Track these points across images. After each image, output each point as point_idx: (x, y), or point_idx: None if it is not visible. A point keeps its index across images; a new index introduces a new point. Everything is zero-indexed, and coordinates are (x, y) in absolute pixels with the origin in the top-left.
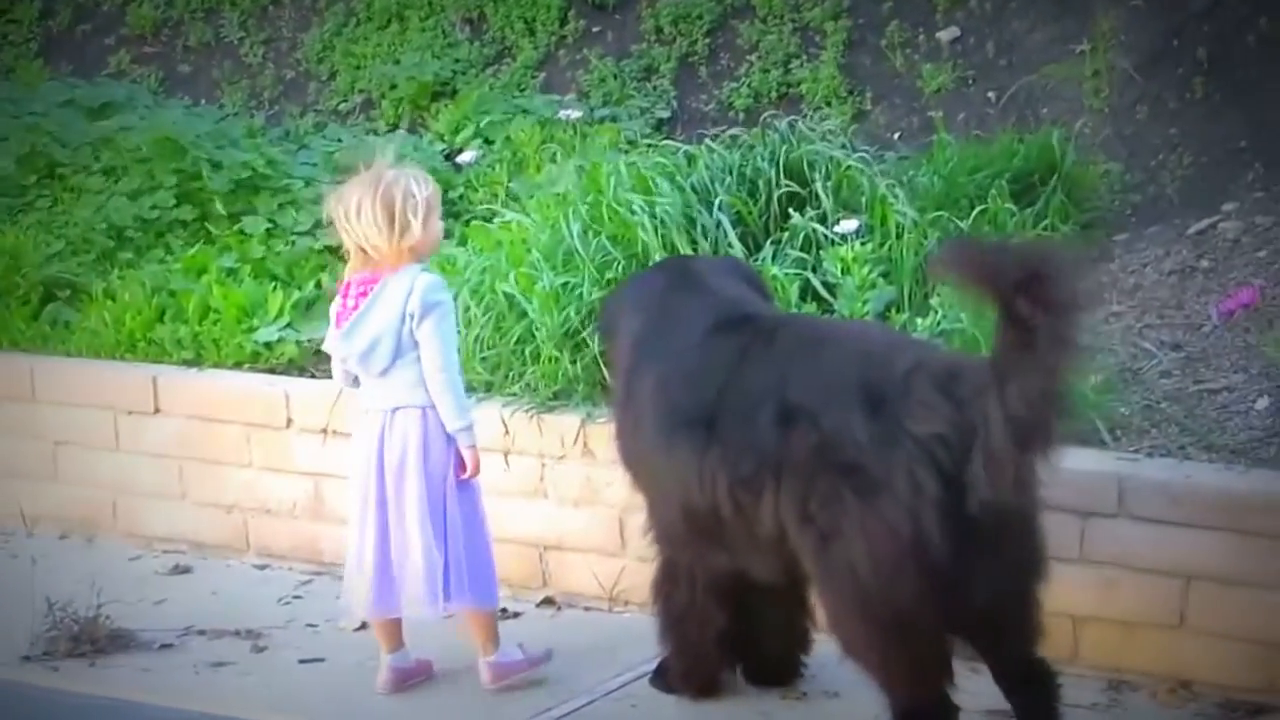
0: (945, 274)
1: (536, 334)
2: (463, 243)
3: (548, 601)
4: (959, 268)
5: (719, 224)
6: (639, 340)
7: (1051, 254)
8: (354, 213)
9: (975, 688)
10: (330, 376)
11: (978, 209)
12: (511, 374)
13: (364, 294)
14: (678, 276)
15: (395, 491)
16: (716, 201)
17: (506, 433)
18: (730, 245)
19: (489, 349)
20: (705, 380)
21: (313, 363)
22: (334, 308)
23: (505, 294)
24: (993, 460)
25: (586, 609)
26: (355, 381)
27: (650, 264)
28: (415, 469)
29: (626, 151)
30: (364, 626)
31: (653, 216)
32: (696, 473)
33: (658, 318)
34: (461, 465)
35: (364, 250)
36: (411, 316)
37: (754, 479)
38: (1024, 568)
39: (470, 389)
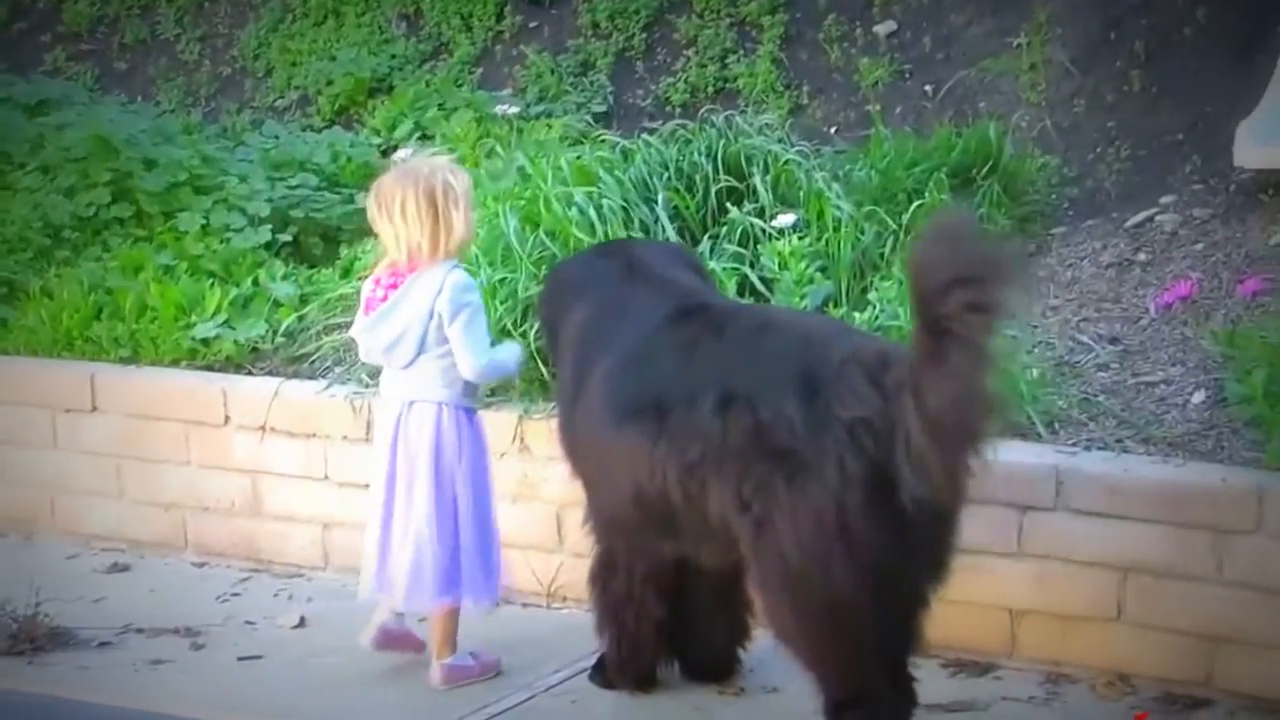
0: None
1: None
2: None
3: None
4: (918, 253)
5: (657, 219)
6: (589, 328)
7: (985, 258)
8: (398, 209)
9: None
10: (267, 374)
11: (915, 203)
12: None
13: (394, 285)
14: (627, 264)
15: (406, 483)
16: (655, 196)
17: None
18: (668, 240)
19: None
20: (658, 370)
21: (250, 360)
22: (364, 294)
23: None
24: (912, 456)
25: (524, 605)
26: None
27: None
28: (426, 466)
29: (570, 145)
30: (301, 623)
31: (590, 211)
32: (648, 461)
33: (610, 306)
34: (482, 452)
35: (409, 249)
36: (440, 315)
37: (699, 466)
38: (937, 566)
39: None
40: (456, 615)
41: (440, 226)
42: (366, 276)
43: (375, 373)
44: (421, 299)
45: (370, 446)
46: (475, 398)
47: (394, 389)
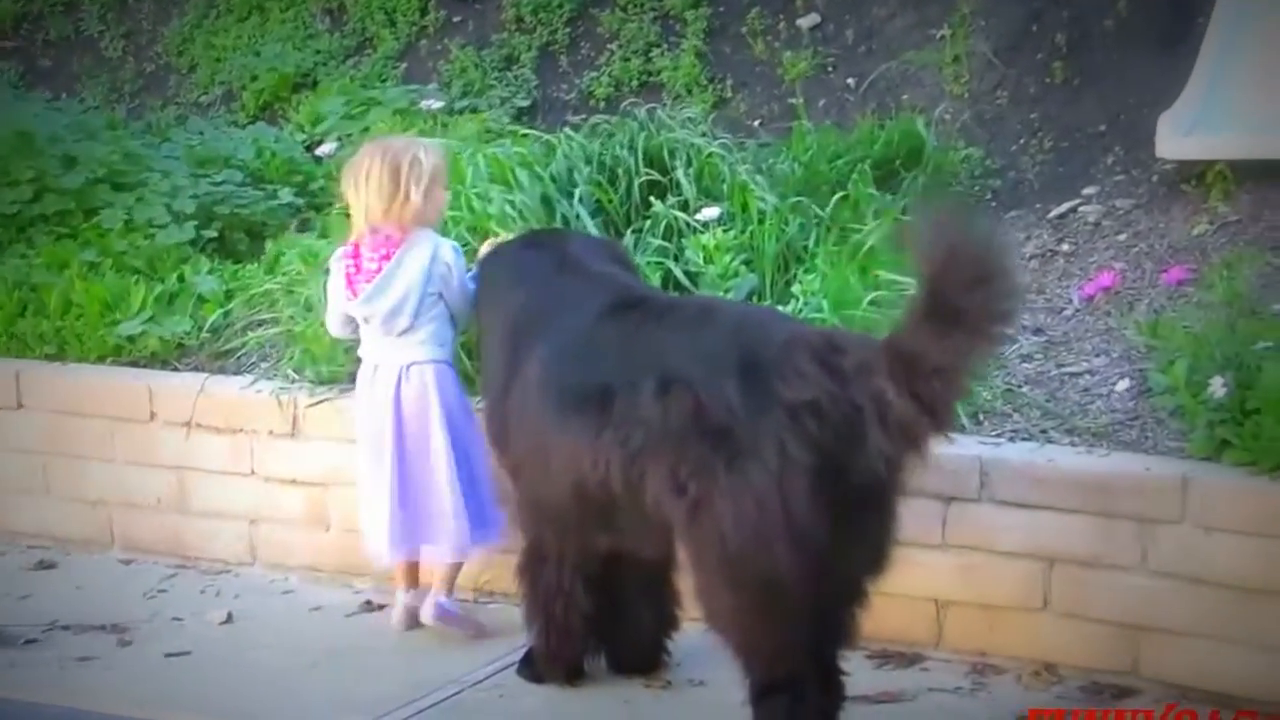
0: (910, 245)
1: None
2: (323, 235)
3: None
4: (925, 246)
5: (579, 214)
6: (523, 318)
7: (1003, 261)
8: (362, 177)
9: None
10: (193, 370)
11: (839, 195)
12: None
13: (386, 256)
14: (561, 256)
15: (418, 441)
16: (576, 191)
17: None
18: (596, 234)
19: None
20: (600, 359)
21: (176, 356)
22: (339, 269)
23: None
24: (882, 433)
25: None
26: (354, 331)
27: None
28: (439, 418)
29: (487, 141)
30: (229, 619)
31: (512, 206)
32: (590, 452)
33: (545, 297)
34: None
35: (368, 215)
36: (442, 272)
37: (640, 453)
38: (875, 555)
39: (326, 382)
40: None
41: (399, 195)
42: (334, 255)
43: (301, 369)
44: (417, 265)
45: (296, 441)
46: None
47: (387, 355)
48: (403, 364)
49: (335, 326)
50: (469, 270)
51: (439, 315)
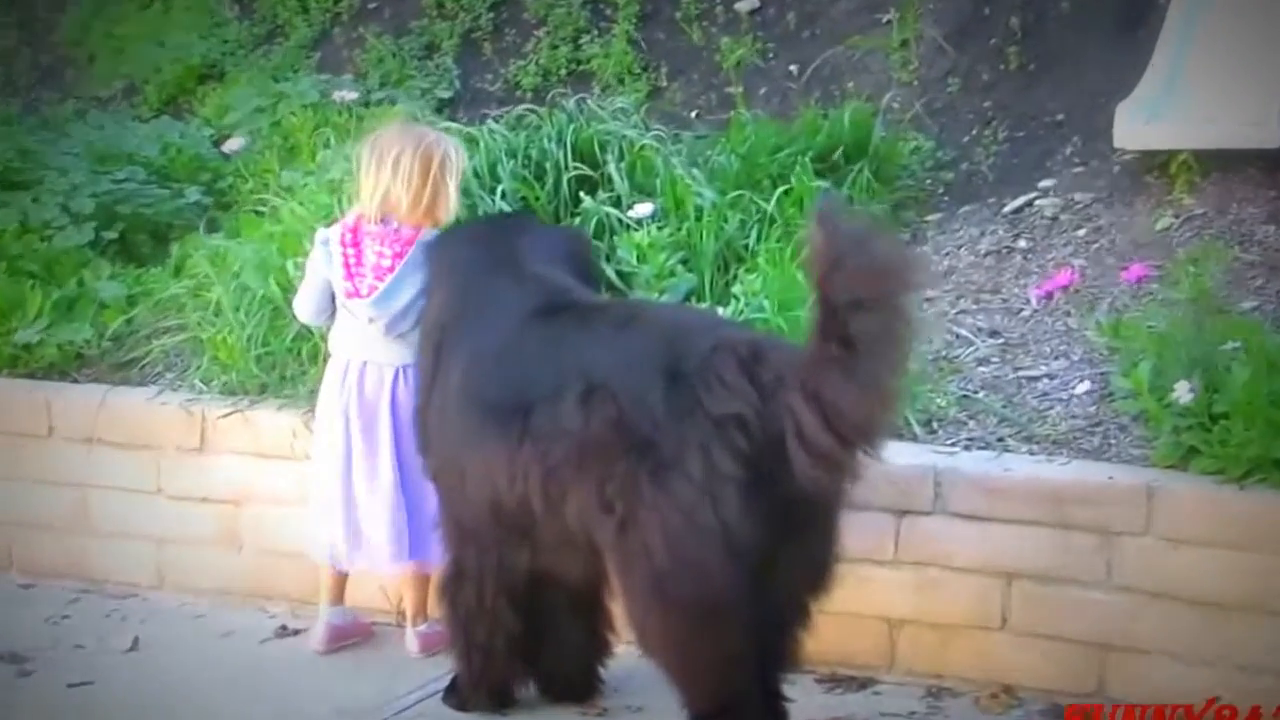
0: (811, 238)
1: (314, 332)
2: (233, 235)
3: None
4: (818, 239)
5: (503, 211)
6: (448, 319)
7: (898, 252)
8: (390, 161)
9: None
10: (93, 381)
11: (781, 189)
12: (289, 375)
13: (400, 255)
14: (504, 253)
15: (394, 444)
16: (500, 187)
17: (294, 436)
18: (570, 224)
19: (263, 348)
20: (521, 367)
21: (75, 366)
22: (333, 253)
23: (279, 288)
24: (801, 452)
25: (374, 624)
26: (331, 317)
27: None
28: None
29: None
30: (135, 646)
31: None
32: (507, 465)
33: (475, 296)
34: None
35: (384, 202)
36: None
37: (560, 467)
38: (816, 572)
39: (243, 391)
40: (428, 576)
41: (426, 191)
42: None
43: (209, 379)
44: (419, 273)
45: (205, 456)
46: None
47: (381, 353)
48: (399, 364)
49: (308, 311)
50: None
51: None
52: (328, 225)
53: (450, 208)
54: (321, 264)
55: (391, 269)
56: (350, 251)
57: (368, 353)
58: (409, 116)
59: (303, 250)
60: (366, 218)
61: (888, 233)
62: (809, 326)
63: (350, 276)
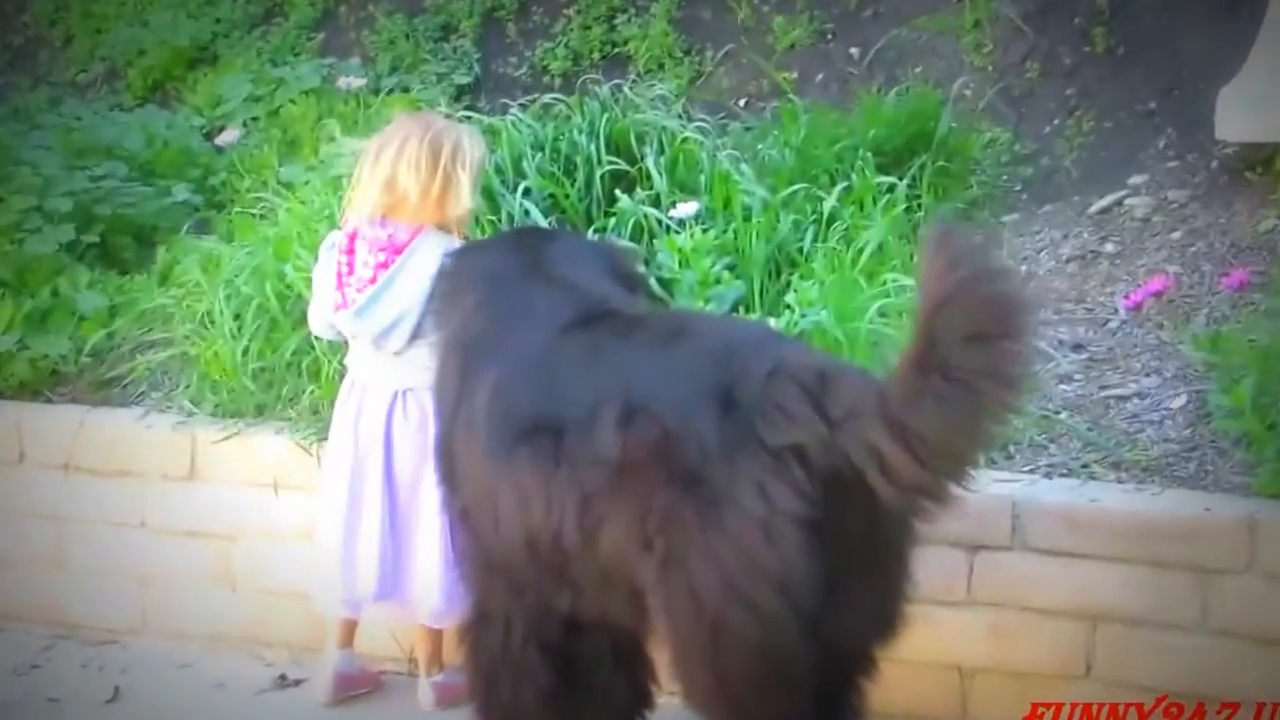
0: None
1: (315, 345)
2: (227, 238)
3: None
4: (935, 267)
5: (528, 211)
6: (474, 336)
7: (1019, 288)
8: (394, 148)
9: None
10: (70, 401)
11: (839, 186)
12: (287, 393)
13: (384, 265)
14: (534, 260)
15: (409, 480)
16: (524, 184)
17: (295, 462)
18: (603, 235)
19: (259, 362)
20: (554, 387)
21: (51, 384)
22: (330, 261)
23: (277, 297)
24: (886, 485)
25: (383, 674)
26: (339, 333)
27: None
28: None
29: None
30: (115, 697)
31: None
32: (542, 497)
33: (500, 311)
34: None
35: (388, 194)
36: None
37: (597, 498)
38: (883, 617)
39: (238, 413)
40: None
41: (436, 181)
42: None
43: (200, 399)
44: (418, 277)
45: (195, 485)
46: None
47: (380, 376)
48: (397, 388)
49: (318, 325)
50: None
51: None
52: (337, 228)
53: (463, 203)
54: (321, 274)
55: (373, 278)
56: (344, 259)
57: (369, 373)
58: (422, 105)
59: (303, 257)
60: (366, 218)
61: (1007, 265)
62: (903, 356)
63: (340, 287)
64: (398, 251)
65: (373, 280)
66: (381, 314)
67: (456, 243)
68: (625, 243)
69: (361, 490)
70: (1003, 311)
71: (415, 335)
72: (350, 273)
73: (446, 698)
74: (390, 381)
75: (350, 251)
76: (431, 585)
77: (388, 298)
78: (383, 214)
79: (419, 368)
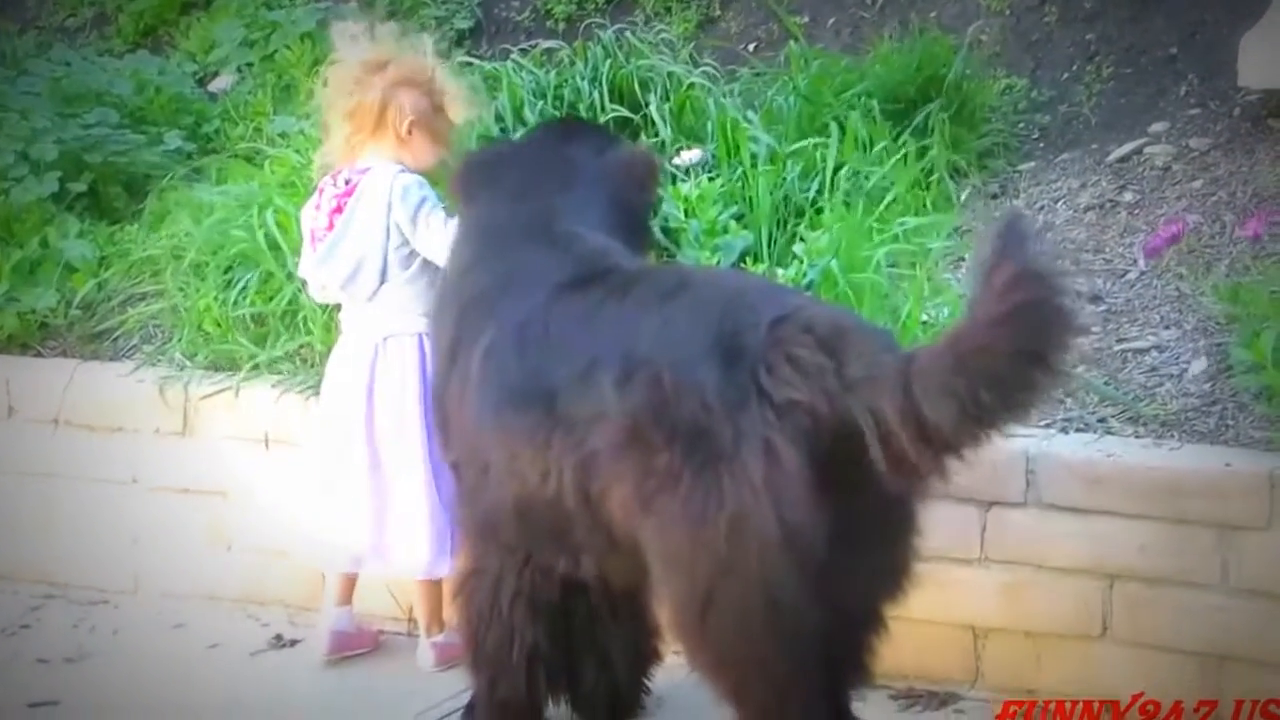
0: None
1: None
2: (220, 184)
3: None
4: (983, 287)
5: None
6: (475, 295)
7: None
8: (331, 90)
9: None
10: (60, 355)
11: (849, 134)
12: (284, 347)
13: (337, 210)
14: (533, 216)
15: (394, 434)
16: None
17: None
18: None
19: (251, 309)
20: (549, 344)
21: (39, 338)
22: (306, 219)
23: (269, 247)
24: (885, 459)
25: (382, 633)
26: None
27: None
28: (416, 409)
29: None
30: (107, 660)
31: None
32: (536, 456)
33: (499, 264)
34: None
35: (341, 139)
36: (399, 228)
37: (595, 458)
38: (892, 574)
39: (232, 366)
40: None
41: (370, 109)
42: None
43: (193, 353)
44: (372, 218)
45: (187, 441)
46: None
47: (361, 326)
48: (378, 337)
49: (312, 290)
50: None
51: (420, 272)
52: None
53: (427, 142)
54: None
55: (330, 226)
56: (313, 214)
57: (351, 324)
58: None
59: (297, 204)
60: (332, 170)
61: (1067, 279)
62: (942, 346)
63: (311, 242)
64: (348, 194)
65: (330, 229)
66: (342, 260)
67: (406, 172)
68: (640, 155)
69: (345, 443)
70: (1059, 335)
71: (383, 277)
72: (314, 226)
73: (446, 658)
74: (371, 330)
75: (317, 207)
76: (415, 538)
77: (345, 243)
78: (348, 161)
79: (398, 311)
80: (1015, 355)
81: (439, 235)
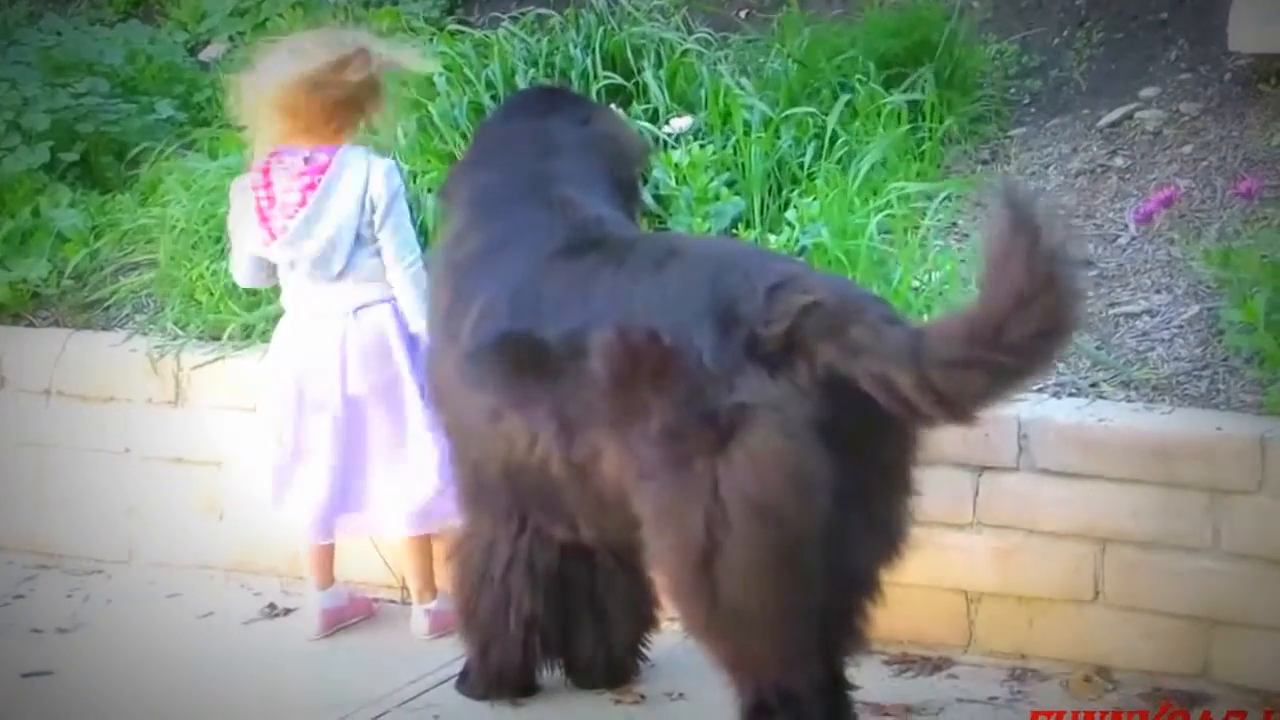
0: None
1: None
2: (212, 156)
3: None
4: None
5: None
6: (469, 260)
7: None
8: (278, 81)
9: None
10: (52, 325)
11: (842, 99)
12: (273, 314)
13: (312, 185)
14: (528, 181)
15: (383, 396)
16: None
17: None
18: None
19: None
20: (540, 310)
21: (31, 308)
22: (246, 202)
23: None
24: (889, 417)
25: (375, 600)
26: (269, 277)
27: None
28: (405, 366)
29: (406, 40)
30: (99, 630)
31: (431, 124)
32: (525, 428)
33: (498, 231)
34: None
35: (287, 129)
36: (373, 207)
37: (587, 422)
38: (888, 539)
39: (216, 338)
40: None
41: (329, 103)
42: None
43: (185, 322)
44: (349, 193)
45: (180, 411)
46: None
47: (326, 302)
48: (348, 310)
49: (244, 275)
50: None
51: (379, 249)
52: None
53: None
54: (237, 220)
55: (303, 201)
56: (262, 194)
57: (313, 304)
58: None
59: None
60: (272, 155)
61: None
62: (955, 319)
63: (265, 222)
64: (321, 172)
65: (302, 204)
66: (318, 236)
67: (379, 157)
68: (628, 126)
69: (321, 419)
70: (1071, 311)
71: (352, 254)
72: (272, 205)
73: (440, 625)
74: (340, 305)
75: (267, 185)
76: (399, 497)
77: (320, 221)
78: (289, 141)
79: (365, 284)
80: (1033, 334)
81: (405, 221)
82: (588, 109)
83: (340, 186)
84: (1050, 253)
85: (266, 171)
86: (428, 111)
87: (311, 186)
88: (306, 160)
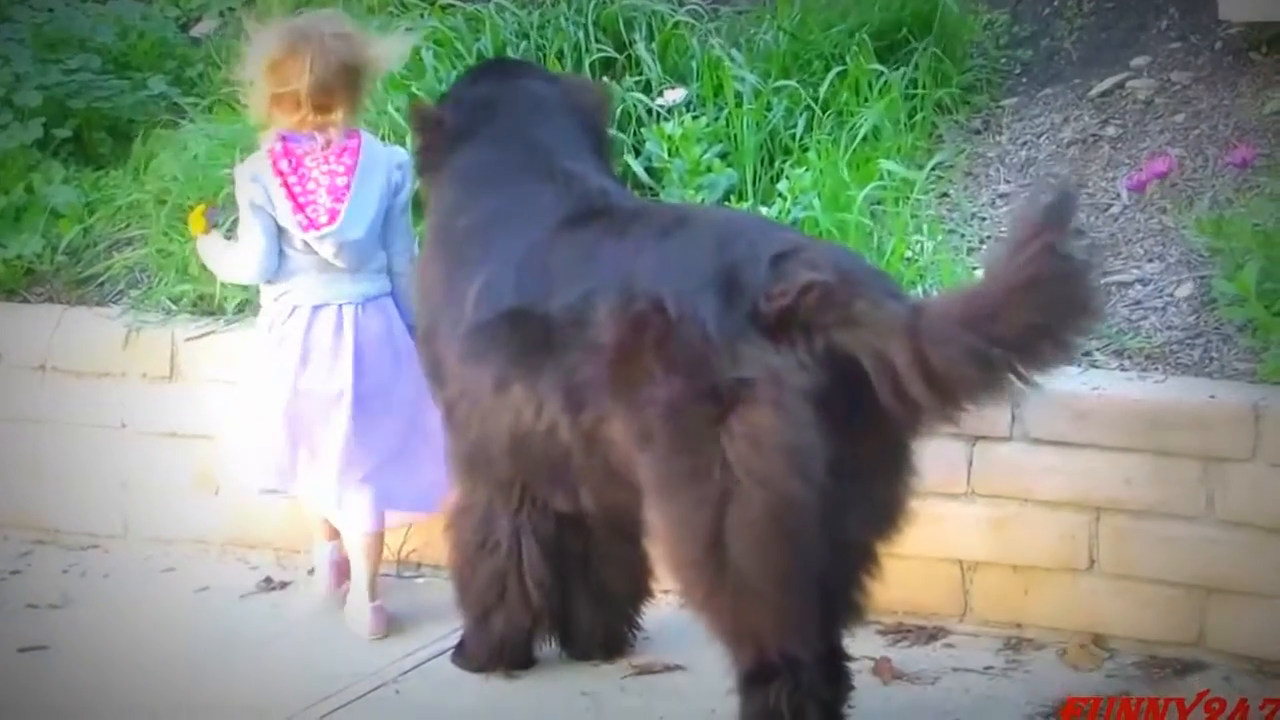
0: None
1: None
2: (205, 131)
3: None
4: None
5: None
6: (467, 234)
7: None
8: (306, 63)
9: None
10: (46, 301)
11: (834, 70)
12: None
13: (349, 171)
14: (536, 149)
15: (380, 386)
16: None
17: None
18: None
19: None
20: (545, 280)
21: (26, 284)
22: (273, 188)
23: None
24: (892, 401)
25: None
26: (280, 270)
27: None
28: (407, 355)
29: (396, 16)
30: (96, 605)
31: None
32: (531, 396)
33: (494, 203)
34: None
35: (311, 112)
36: (394, 193)
37: (590, 391)
38: (888, 512)
39: (219, 310)
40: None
41: (357, 90)
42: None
43: (178, 297)
44: (377, 178)
45: (175, 385)
46: None
47: (334, 290)
48: (357, 300)
49: (257, 268)
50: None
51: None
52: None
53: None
54: (256, 209)
55: (348, 186)
56: (292, 180)
57: (321, 293)
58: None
59: None
60: (287, 140)
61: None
62: (955, 301)
63: (299, 209)
64: (355, 156)
65: (346, 189)
66: (357, 224)
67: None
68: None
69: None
70: (1075, 316)
71: (374, 242)
72: (305, 191)
73: (385, 624)
74: (349, 293)
75: (297, 171)
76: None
77: (366, 205)
78: (304, 133)
79: (374, 275)
80: (1026, 325)
81: (409, 219)
82: (547, 73)
83: (376, 171)
84: (1069, 255)
85: (289, 156)
86: (418, 88)
87: (349, 171)
88: (328, 144)
